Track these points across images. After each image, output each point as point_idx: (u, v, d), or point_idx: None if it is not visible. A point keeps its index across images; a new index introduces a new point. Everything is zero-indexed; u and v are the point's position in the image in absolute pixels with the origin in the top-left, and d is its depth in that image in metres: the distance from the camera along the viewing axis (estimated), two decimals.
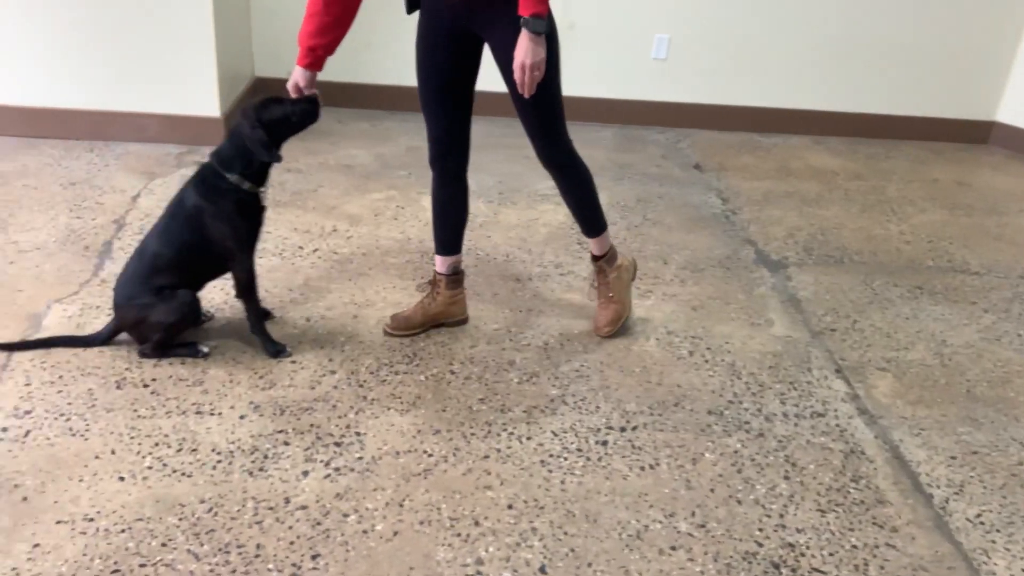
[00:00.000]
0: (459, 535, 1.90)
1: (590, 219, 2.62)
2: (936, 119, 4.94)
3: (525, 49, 2.12)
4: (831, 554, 1.93)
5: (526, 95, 2.20)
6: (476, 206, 3.58)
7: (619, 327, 2.72)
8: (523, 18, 2.08)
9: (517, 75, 2.16)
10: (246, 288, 2.46)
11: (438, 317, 2.67)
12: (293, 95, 2.40)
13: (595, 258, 2.70)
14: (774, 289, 3.12)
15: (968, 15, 4.67)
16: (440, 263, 2.64)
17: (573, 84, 4.80)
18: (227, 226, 2.37)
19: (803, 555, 1.92)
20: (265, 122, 2.34)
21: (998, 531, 2.04)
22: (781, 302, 3.03)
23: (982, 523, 2.06)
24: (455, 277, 2.65)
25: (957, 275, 3.34)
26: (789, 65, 4.76)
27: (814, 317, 2.95)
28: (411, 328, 2.64)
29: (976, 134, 4.99)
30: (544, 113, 2.35)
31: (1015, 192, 4.29)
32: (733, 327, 2.84)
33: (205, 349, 2.47)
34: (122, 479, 1.99)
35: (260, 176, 2.40)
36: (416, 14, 2.37)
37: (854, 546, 1.96)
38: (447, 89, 2.39)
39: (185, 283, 2.41)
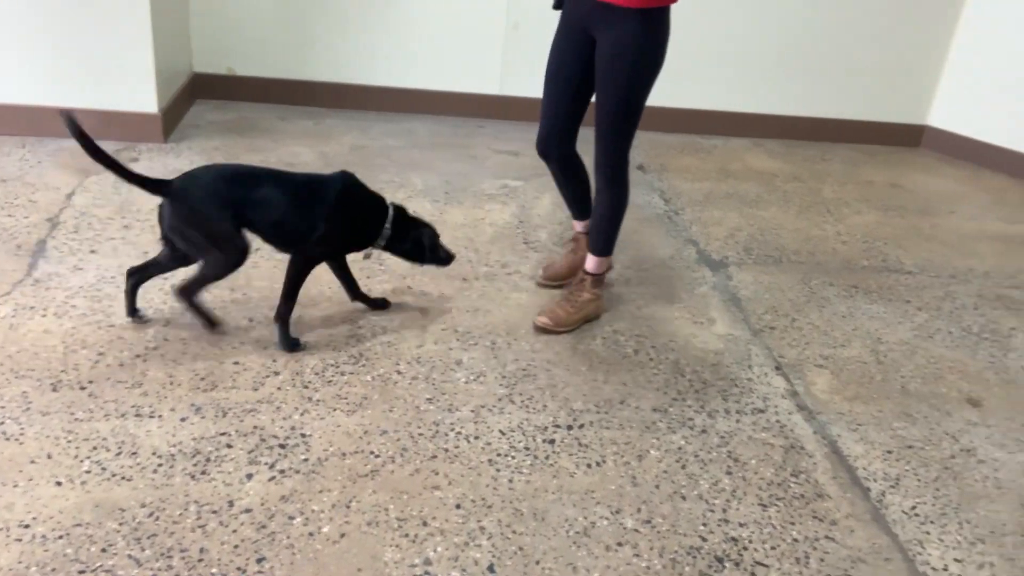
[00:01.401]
0: (407, 536, 1.89)
1: (604, 239, 2.78)
2: (870, 123, 5.09)
3: None
4: (773, 547, 1.98)
5: None
6: (422, 205, 3.57)
7: (549, 330, 2.74)
8: None
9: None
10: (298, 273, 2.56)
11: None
12: None
13: (585, 272, 2.81)
14: (715, 288, 3.18)
15: (901, 23, 4.82)
16: (577, 225, 3.01)
17: (519, 83, 4.82)
18: (324, 245, 2.50)
19: (746, 549, 1.96)
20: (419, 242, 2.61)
21: (932, 523, 2.11)
22: (723, 301, 3.09)
23: (917, 515, 2.13)
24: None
25: (891, 274, 3.45)
26: (729, 70, 4.85)
27: (754, 316, 3.01)
28: (559, 279, 2.98)
29: (908, 137, 5.15)
30: (622, 115, 2.53)
31: (946, 194, 4.45)
32: (677, 326, 2.89)
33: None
34: (59, 484, 1.93)
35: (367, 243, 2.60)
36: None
37: (795, 539, 2.01)
38: (565, 80, 2.63)
39: (257, 232, 2.45)
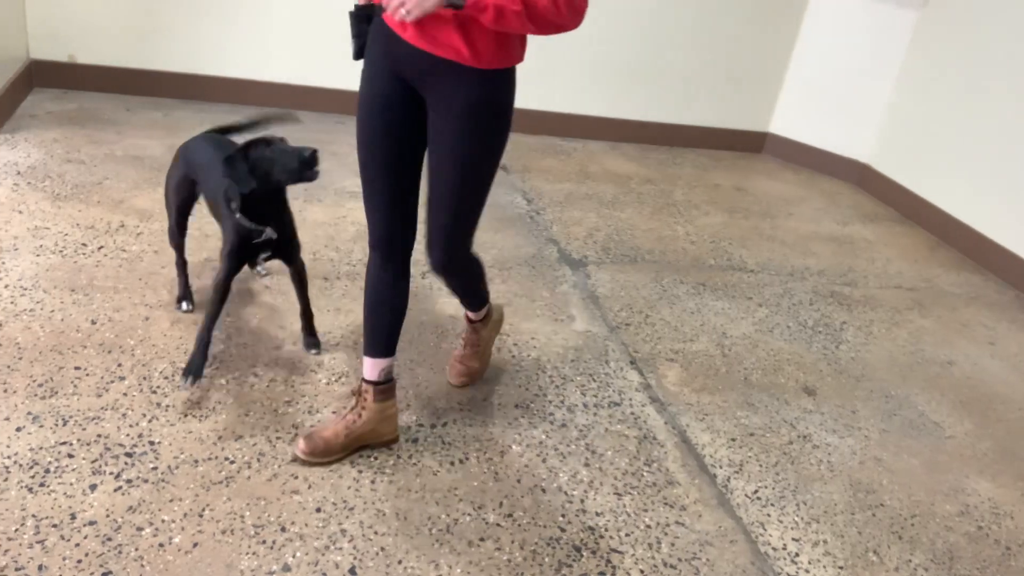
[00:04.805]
0: (264, 542, 1.85)
1: (475, 301, 2.41)
2: (718, 129, 5.36)
3: None
4: (627, 534, 2.06)
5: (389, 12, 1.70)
6: None
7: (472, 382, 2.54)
8: None
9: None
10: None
11: (364, 438, 2.17)
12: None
13: (471, 321, 2.48)
14: (575, 287, 3.26)
15: (746, 37, 5.11)
16: (369, 368, 2.15)
17: None
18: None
19: (602, 537, 2.03)
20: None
21: (772, 505, 2.26)
22: (582, 299, 3.18)
23: (759, 498, 2.27)
24: (386, 386, 2.17)
25: (735, 272, 3.65)
26: (589, 75, 4.98)
27: (611, 312, 3.11)
28: (331, 454, 2.11)
29: (752, 144, 5.46)
30: (467, 206, 2.02)
31: (786, 197, 4.74)
32: (538, 323, 2.95)
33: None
34: None
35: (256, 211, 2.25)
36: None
37: (648, 525, 2.10)
38: (391, 153, 1.97)
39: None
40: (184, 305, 2.64)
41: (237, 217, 2.22)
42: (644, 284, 3.39)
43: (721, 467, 2.37)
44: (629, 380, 2.71)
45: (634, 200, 4.28)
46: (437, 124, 1.90)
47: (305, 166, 2.12)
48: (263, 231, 2.27)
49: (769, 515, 2.22)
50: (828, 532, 2.19)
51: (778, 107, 5.36)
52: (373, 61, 1.93)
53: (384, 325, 2.13)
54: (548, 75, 4.91)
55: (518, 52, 1.89)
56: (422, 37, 1.79)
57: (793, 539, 2.15)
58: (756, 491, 2.30)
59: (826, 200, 4.80)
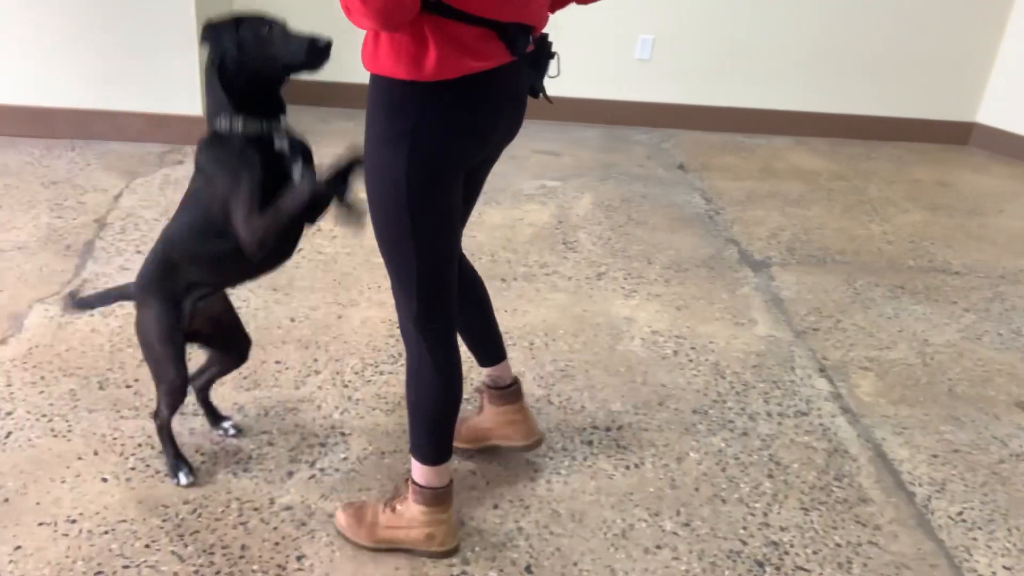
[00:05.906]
0: None
1: (412, 436, 1.79)
2: (917, 120, 4.99)
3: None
4: (815, 552, 1.95)
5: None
6: None
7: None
8: None
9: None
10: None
11: (489, 436, 2.12)
12: None
13: (414, 483, 1.81)
14: (757, 289, 3.14)
15: (949, 19, 4.72)
16: (483, 372, 2.12)
17: (558, 84, 4.82)
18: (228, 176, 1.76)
19: (787, 553, 1.94)
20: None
21: (979, 528, 2.06)
22: (764, 302, 3.05)
23: (964, 521, 2.09)
24: (502, 391, 2.08)
25: (938, 275, 3.37)
26: (772, 66, 4.79)
27: (797, 317, 2.97)
28: (459, 441, 2.05)
29: (957, 135, 5.04)
30: (381, 241, 1.79)
31: (995, 193, 4.34)
32: (717, 327, 2.86)
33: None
34: (105, 480, 1.97)
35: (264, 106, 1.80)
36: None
37: (837, 544, 1.98)
38: None
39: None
40: (183, 478, 1.97)
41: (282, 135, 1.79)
42: (834, 287, 3.20)
43: (921, 485, 2.20)
44: (817, 389, 2.57)
45: (823, 197, 4.07)
46: None
47: (315, 55, 1.76)
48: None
49: (976, 539, 2.03)
50: None
51: (986, 94, 4.92)
52: None
53: (473, 336, 2.07)
54: (726, 68, 4.76)
55: (393, 64, 1.50)
56: None
57: (1004, 567, 1.95)
58: (960, 512, 2.11)
59: None
